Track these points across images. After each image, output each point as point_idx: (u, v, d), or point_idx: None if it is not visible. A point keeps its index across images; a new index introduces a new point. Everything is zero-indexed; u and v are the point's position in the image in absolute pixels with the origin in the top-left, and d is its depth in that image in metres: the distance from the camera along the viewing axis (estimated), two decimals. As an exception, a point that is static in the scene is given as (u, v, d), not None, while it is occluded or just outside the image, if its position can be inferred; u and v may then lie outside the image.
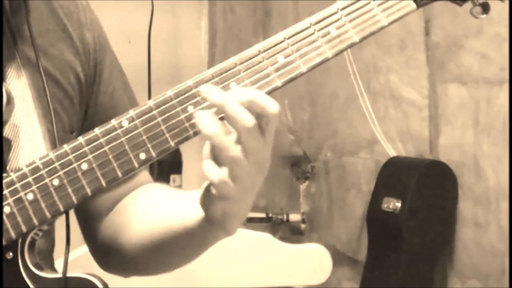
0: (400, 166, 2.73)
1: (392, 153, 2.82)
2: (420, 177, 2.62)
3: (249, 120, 0.97)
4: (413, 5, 1.09)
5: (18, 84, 1.15)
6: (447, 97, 2.65)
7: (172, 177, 3.19)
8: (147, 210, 1.21)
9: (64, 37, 1.23)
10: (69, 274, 1.08)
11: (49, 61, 1.19)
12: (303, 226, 3.31)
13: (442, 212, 2.62)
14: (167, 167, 3.15)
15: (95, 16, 1.30)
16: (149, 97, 3.64)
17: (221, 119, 1.00)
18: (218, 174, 0.99)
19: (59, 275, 1.08)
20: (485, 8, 1.12)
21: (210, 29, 3.65)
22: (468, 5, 1.12)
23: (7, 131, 1.12)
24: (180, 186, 3.19)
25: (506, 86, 2.41)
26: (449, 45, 2.60)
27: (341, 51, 1.08)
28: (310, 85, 3.20)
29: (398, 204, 2.61)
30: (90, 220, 1.27)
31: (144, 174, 1.29)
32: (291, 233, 3.33)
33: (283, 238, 2.35)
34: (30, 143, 1.14)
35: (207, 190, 1.04)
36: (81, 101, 1.24)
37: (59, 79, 1.20)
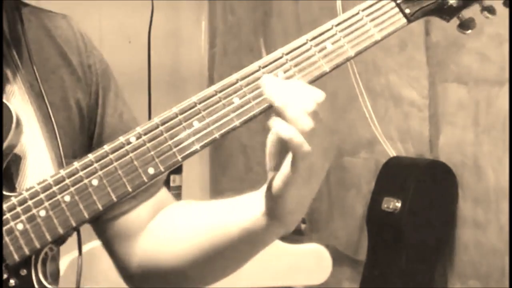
0: (400, 166, 2.73)
1: (392, 153, 2.82)
2: (420, 177, 2.62)
3: (308, 124, 1.02)
4: (404, 20, 1.17)
5: (25, 107, 1.18)
6: (447, 97, 2.65)
7: (172, 177, 3.19)
8: (193, 224, 1.22)
9: (64, 65, 1.26)
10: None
11: (50, 89, 1.21)
12: (303, 226, 3.31)
13: (442, 212, 2.62)
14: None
15: (92, 44, 1.32)
16: (149, 97, 3.62)
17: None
18: (301, 138, 1.03)
19: None
20: (470, 24, 1.19)
21: (210, 29, 3.65)
22: (455, 21, 1.19)
23: (17, 150, 1.14)
24: (180, 186, 3.19)
25: (506, 86, 2.41)
26: (449, 45, 2.60)
27: (338, 65, 1.14)
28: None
29: (398, 204, 2.61)
30: (121, 243, 1.26)
31: (164, 192, 1.30)
32: (291, 233, 3.32)
33: (283, 238, 2.35)
34: (38, 164, 1.16)
35: (271, 184, 1.08)
36: (83, 126, 1.26)
37: (60, 106, 1.23)
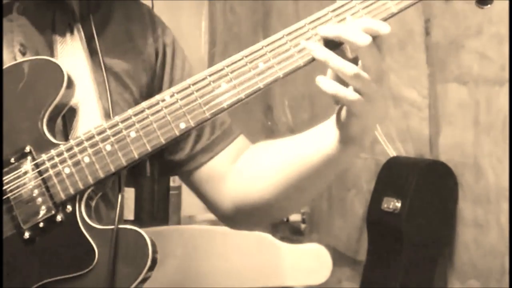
0: (400, 166, 2.73)
1: (392, 153, 2.82)
2: (420, 177, 2.62)
3: (367, 39, 1.11)
4: None
5: (82, 74, 1.32)
6: (447, 97, 2.65)
7: (172, 177, 3.19)
8: (277, 159, 1.34)
9: (129, 41, 1.41)
10: (120, 226, 1.21)
11: (113, 60, 1.37)
12: (303, 226, 3.31)
13: (442, 212, 2.62)
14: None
15: (159, 18, 1.49)
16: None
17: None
18: (344, 91, 1.15)
19: (112, 226, 1.21)
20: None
21: (210, 29, 3.65)
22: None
23: (70, 109, 1.29)
24: (180, 186, 3.19)
25: (506, 86, 2.41)
26: (449, 45, 2.60)
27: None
28: (310, 85, 3.20)
29: (398, 204, 2.61)
30: (208, 189, 1.42)
31: (242, 139, 1.45)
32: (291, 233, 3.33)
33: (283, 238, 2.35)
34: (88, 118, 1.31)
35: (339, 114, 1.21)
36: (141, 97, 1.39)
37: (122, 76, 1.38)
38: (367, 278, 2.75)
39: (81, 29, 1.35)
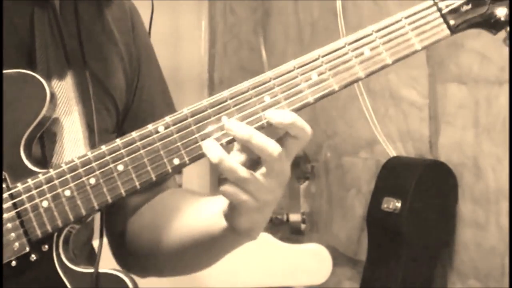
0: (400, 166, 2.73)
1: (392, 153, 2.82)
2: (420, 177, 2.62)
3: (276, 149, 1.05)
4: (447, 32, 1.13)
5: (62, 81, 1.21)
6: (447, 97, 2.65)
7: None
8: (175, 216, 1.25)
9: (110, 43, 1.29)
10: (101, 270, 1.12)
11: (95, 64, 1.24)
12: (303, 226, 3.31)
13: (442, 212, 2.62)
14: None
15: (141, 21, 1.38)
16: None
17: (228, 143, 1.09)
18: (232, 191, 1.07)
19: (91, 270, 1.12)
20: None
21: (210, 29, 3.65)
22: (501, 34, 1.18)
23: (52, 126, 1.17)
24: (180, 186, 3.19)
25: (506, 86, 2.41)
26: (449, 45, 2.60)
27: (373, 72, 1.12)
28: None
29: (398, 204, 2.61)
30: (115, 215, 1.31)
31: (172, 178, 1.35)
32: (291, 233, 3.32)
33: (283, 238, 2.35)
34: (72, 140, 1.20)
35: (229, 206, 1.11)
36: (121, 104, 1.29)
37: (104, 81, 1.26)
38: (367, 278, 2.75)
39: (62, 30, 1.22)
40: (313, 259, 2.20)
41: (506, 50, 2.45)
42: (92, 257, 1.25)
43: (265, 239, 2.19)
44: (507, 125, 2.39)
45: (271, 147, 1.05)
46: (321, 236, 3.19)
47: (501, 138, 2.43)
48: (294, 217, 3.32)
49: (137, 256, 1.30)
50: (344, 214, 3.08)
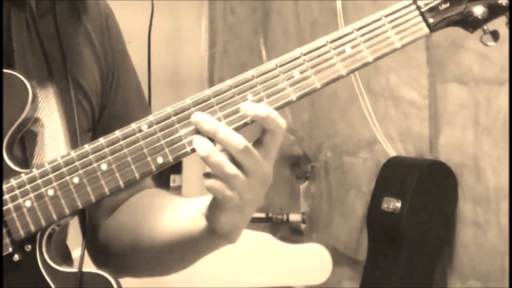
0: (400, 166, 2.73)
1: (392, 153, 2.82)
2: (420, 177, 2.62)
3: (241, 142, 1.05)
4: (426, 30, 1.15)
5: (41, 82, 1.19)
6: (447, 97, 2.65)
7: (172, 177, 3.19)
8: (155, 215, 1.24)
9: (86, 42, 1.28)
10: (84, 269, 1.11)
11: (71, 63, 1.23)
12: (303, 226, 3.31)
13: (442, 212, 2.62)
14: (167, 167, 3.15)
15: (116, 23, 1.36)
16: (149, 97, 3.62)
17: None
18: (218, 186, 1.06)
19: (75, 269, 1.11)
20: (495, 36, 1.16)
21: (210, 29, 3.65)
22: (478, 32, 1.19)
23: (32, 126, 1.16)
24: (180, 186, 3.19)
25: (506, 86, 2.41)
26: (449, 45, 2.60)
27: (354, 70, 1.13)
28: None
29: (398, 204, 2.61)
30: (91, 216, 1.28)
31: (148, 178, 1.31)
32: (291, 233, 3.33)
33: (283, 238, 2.35)
34: (53, 140, 1.18)
35: (211, 205, 1.11)
36: (96, 104, 1.28)
37: (80, 81, 1.25)
38: (367, 278, 2.75)
39: (39, 30, 1.20)
40: (313, 259, 2.20)
41: (506, 50, 2.45)
42: (68, 257, 1.25)
43: (265, 239, 2.19)
44: (507, 125, 2.39)
45: (236, 140, 1.05)
46: (321, 236, 3.19)
47: (501, 138, 2.43)
48: (294, 217, 3.33)
49: (113, 255, 1.28)
50: (344, 214, 3.08)
